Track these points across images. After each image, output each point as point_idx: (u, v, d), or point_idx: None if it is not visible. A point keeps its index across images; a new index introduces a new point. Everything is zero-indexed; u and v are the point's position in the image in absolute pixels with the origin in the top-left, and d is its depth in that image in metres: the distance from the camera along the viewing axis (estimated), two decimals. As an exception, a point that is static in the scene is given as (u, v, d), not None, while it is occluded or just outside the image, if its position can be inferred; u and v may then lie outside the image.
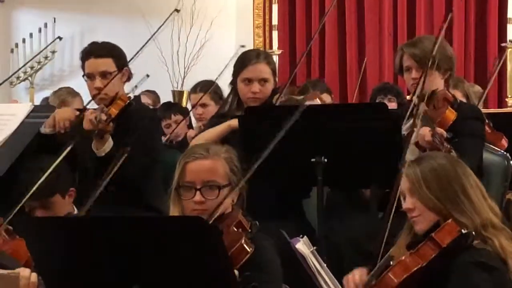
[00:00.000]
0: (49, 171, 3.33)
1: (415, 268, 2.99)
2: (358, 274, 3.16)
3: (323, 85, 6.78)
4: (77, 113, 4.33)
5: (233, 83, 4.61)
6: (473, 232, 3.05)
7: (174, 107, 6.97)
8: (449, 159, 3.23)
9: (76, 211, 3.88)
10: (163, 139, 5.94)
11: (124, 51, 4.63)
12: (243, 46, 6.51)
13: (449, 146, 3.80)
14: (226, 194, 3.09)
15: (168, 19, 5.09)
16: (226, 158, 3.24)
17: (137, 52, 4.50)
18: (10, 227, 3.29)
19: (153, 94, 7.45)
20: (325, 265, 2.58)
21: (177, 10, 5.44)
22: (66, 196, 3.82)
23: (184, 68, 8.87)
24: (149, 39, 4.72)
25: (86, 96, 4.78)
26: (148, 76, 4.47)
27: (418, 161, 3.25)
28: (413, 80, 4.31)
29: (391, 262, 3.05)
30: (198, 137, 4.37)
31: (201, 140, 4.24)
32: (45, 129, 4.20)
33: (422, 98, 4.12)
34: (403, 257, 3.02)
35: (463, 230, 3.05)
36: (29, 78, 9.27)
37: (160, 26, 4.95)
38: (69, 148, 3.70)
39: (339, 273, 3.00)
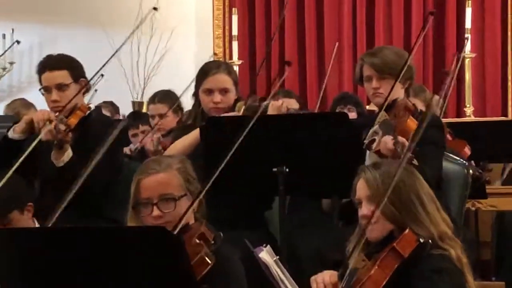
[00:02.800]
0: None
1: (384, 282, 3.01)
2: (328, 275, 3.16)
3: (293, 93, 6.82)
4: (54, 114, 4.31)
5: (196, 95, 4.61)
6: (430, 241, 3.07)
7: (143, 117, 6.89)
8: (407, 170, 3.23)
9: (37, 225, 3.84)
10: (133, 147, 5.98)
11: (85, 62, 4.61)
12: (215, 54, 6.55)
13: (412, 155, 3.81)
14: (185, 204, 3.09)
15: (139, 25, 5.11)
16: (179, 169, 3.25)
17: (100, 69, 4.49)
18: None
19: (111, 105, 7.42)
20: (287, 273, 2.58)
21: (155, 8, 5.46)
22: (25, 211, 3.78)
23: (144, 79, 8.86)
24: (113, 54, 4.72)
25: (44, 107, 4.76)
26: (102, 75, 4.45)
27: (378, 168, 3.25)
28: (373, 89, 4.33)
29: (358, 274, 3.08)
30: (170, 148, 4.36)
31: (173, 151, 4.24)
32: (13, 135, 4.18)
33: (382, 107, 4.16)
34: (372, 272, 3.03)
35: (421, 240, 3.07)
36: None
37: (128, 39, 4.96)
38: (18, 163, 3.68)
39: (301, 282, 3.00)
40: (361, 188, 3.21)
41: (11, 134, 4.23)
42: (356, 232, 3.24)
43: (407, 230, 3.08)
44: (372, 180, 3.18)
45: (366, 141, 4.01)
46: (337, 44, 8.58)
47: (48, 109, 4.47)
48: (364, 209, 3.18)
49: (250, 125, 3.32)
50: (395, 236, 3.10)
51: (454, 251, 3.11)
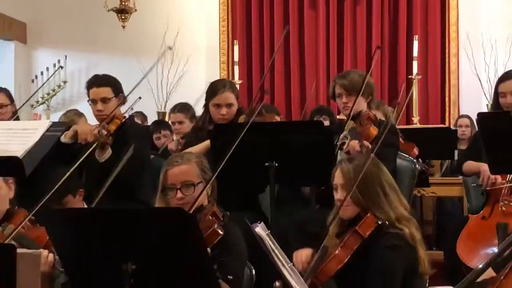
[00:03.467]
0: (60, 182, 3.30)
1: (346, 260, 3.00)
2: (305, 253, 3.18)
3: (274, 108, 6.83)
4: (95, 128, 4.32)
5: (206, 105, 4.61)
6: (387, 222, 3.07)
7: (163, 124, 7.00)
8: (374, 164, 3.23)
9: (85, 206, 3.86)
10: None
11: (120, 81, 4.63)
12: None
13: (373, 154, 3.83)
14: (201, 189, 3.09)
15: (160, 57, 5.12)
16: (197, 162, 3.29)
17: (134, 88, 4.49)
18: (33, 218, 3.27)
19: (141, 114, 7.46)
20: (277, 244, 2.58)
21: (169, 48, 5.48)
22: (77, 196, 3.79)
23: (167, 94, 8.85)
24: (143, 77, 4.71)
25: (90, 116, 4.78)
26: (140, 98, 4.46)
27: (351, 162, 3.26)
28: (343, 103, 4.34)
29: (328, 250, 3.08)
30: (189, 149, 4.36)
31: (188, 151, 4.25)
32: (65, 139, 4.18)
33: (350, 117, 4.17)
34: (336, 251, 3.02)
35: (379, 222, 3.07)
36: (46, 102, 9.26)
37: (154, 65, 4.99)
38: (78, 162, 3.70)
39: (287, 251, 3.01)
40: (337, 176, 3.22)
41: (62, 138, 4.24)
42: (333, 211, 3.25)
43: (368, 214, 3.08)
44: (346, 172, 3.19)
45: (338, 143, 4.03)
46: (313, 71, 8.65)
47: (93, 117, 4.52)
48: (339, 194, 3.18)
49: (245, 130, 3.33)
50: (361, 217, 3.11)
51: (408, 229, 3.10)
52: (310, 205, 4.43)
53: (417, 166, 4.95)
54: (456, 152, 6.16)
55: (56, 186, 3.22)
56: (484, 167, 4.35)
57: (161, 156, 5.45)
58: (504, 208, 4.09)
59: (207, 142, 4.27)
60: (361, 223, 3.06)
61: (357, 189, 3.08)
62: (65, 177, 3.16)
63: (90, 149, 3.77)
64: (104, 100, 4.42)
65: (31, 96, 7.67)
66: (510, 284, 1.84)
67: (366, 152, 3.89)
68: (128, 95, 4.52)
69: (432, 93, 9.12)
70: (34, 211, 3.03)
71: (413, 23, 9.21)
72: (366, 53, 9.15)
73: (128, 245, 2.64)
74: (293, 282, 2.40)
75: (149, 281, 2.69)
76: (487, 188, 4.36)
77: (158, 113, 8.72)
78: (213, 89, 4.61)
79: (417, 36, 8.81)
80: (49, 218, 3.05)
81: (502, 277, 1.84)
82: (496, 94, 4.40)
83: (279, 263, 2.48)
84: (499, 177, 4.27)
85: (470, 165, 4.64)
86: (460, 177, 5.05)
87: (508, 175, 4.04)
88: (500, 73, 4.86)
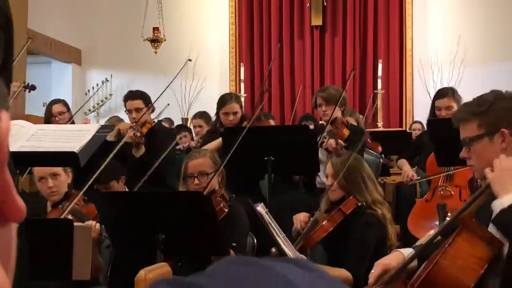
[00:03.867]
0: (102, 166, 3.31)
1: (330, 230, 3.02)
2: (303, 215, 3.21)
3: (270, 115, 6.84)
4: (132, 125, 4.37)
5: (217, 113, 4.63)
6: (365, 204, 3.08)
7: (184, 127, 7.05)
8: (356, 160, 3.26)
9: (126, 190, 3.87)
10: (180, 146, 5.99)
11: (152, 94, 4.67)
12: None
13: (344, 150, 3.87)
14: (213, 177, 3.12)
15: (181, 70, 5.15)
16: (210, 156, 3.34)
17: (160, 95, 4.52)
18: (86, 198, 3.28)
19: (169, 120, 7.47)
20: (273, 220, 2.59)
21: (189, 60, 5.52)
22: (120, 181, 3.80)
23: (189, 104, 8.87)
24: (168, 86, 4.75)
25: (128, 121, 4.81)
26: (168, 104, 4.51)
27: (339, 157, 3.28)
28: (323, 111, 4.35)
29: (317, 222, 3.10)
30: (205, 147, 4.36)
31: (204, 147, 4.27)
32: (110, 138, 4.20)
33: (328, 122, 4.19)
34: (323, 222, 3.04)
35: (359, 203, 3.08)
36: (96, 110, 9.28)
37: (176, 75, 5.02)
38: (114, 151, 3.71)
39: (281, 225, 3.01)
40: (329, 168, 3.24)
41: (108, 138, 4.27)
42: (324, 194, 3.26)
43: (351, 197, 3.10)
44: (335, 164, 3.21)
45: (319, 142, 4.04)
46: (301, 87, 8.66)
47: (129, 122, 4.56)
48: (329, 181, 3.20)
49: (245, 131, 3.40)
50: (345, 199, 3.12)
51: (381, 211, 3.11)
52: (298, 189, 4.45)
53: (381, 160, 4.97)
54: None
55: (98, 172, 3.22)
56: (406, 167, 4.48)
57: (185, 153, 5.47)
58: (442, 193, 4.11)
59: (219, 140, 4.28)
60: (344, 203, 3.08)
61: (343, 178, 3.10)
62: (102, 166, 3.16)
63: (121, 143, 3.77)
64: (137, 110, 4.45)
65: (83, 105, 7.67)
66: (453, 249, 1.83)
67: (340, 148, 3.92)
68: (154, 102, 4.56)
69: (392, 104, 9.10)
70: (82, 192, 3.04)
71: (378, 50, 9.20)
72: (342, 72, 9.15)
73: (158, 220, 2.66)
74: (285, 249, 2.41)
75: (175, 248, 2.71)
76: (404, 183, 4.52)
77: (182, 118, 8.71)
78: (222, 101, 4.62)
79: (381, 60, 8.83)
80: (98, 198, 3.09)
81: (447, 245, 1.84)
82: (433, 108, 4.42)
83: (275, 234, 2.49)
84: (415, 175, 4.41)
85: (400, 162, 4.71)
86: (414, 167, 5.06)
87: (444, 168, 4.05)
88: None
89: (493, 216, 1.85)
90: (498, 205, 1.82)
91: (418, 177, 4.43)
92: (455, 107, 4.16)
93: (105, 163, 3.09)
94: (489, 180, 1.86)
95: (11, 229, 0.40)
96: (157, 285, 0.37)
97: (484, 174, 1.90)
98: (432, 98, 4.61)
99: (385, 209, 3.14)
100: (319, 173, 4.22)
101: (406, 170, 4.44)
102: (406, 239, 4.26)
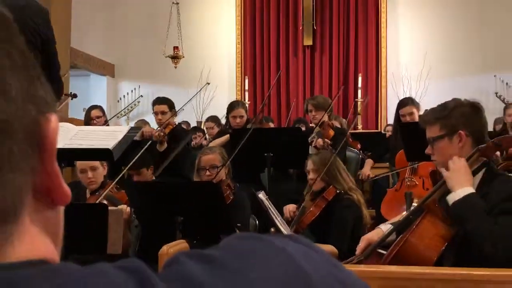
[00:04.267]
0: (136, 157, 3.30)
1: (317, 214, 3.02)
2: (291, 206, 3.20)
3: (270, 118, 6.84)
4: (153, 129, 4.36)
5: (226, 117, 4.64)
6: (342, 191, 3.08)
7: (198, 129, 7.03)
8: (332, 155, 3.26)
9: (154, 178, 3.86)
10: (193, 144, 5.96)
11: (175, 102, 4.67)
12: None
13: (332, 149, 3.85)
14: (223, 170, 3.11)
15: (202, 88, 5.20)
16: (219, 152, 3.32)
17: (183, 105, 4.54)
18: (117, 186, 3.28)
19: (186, 123, 7.47)
20: (272, 205, 2.58)
21: (208, 83, 5.58)
22: (149, 169, 3.78)
23: (203, 110, 8.85)
24: (190, 99, 4.79)
25: (153, 123, 4.81)
26: (183, 109, 4.52)
27: (317, 155, 3.27)
28: (313, 116, 4.35)
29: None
30: (213, 142, 4.37)
31: (215, 144, 4.24)
32: (137, 137, 4.21)
33: (317, 124, 4.18)
34: (311, 209, 3.04)
35: (338, 191, 3.07)
36: (127, 114, 9.25)
37: (196, 93, 5.06)
38: (145, 147, 3.70)
39: (279, 209, 3.01)
40: (309, 164, 3.24)
41: (136, 137, 4.26)
42: (307, 187, 3.26)
43: (331, 186, 3.09)
44: (316, 161, 3.20)
45: (310, 141, 4.03)
46: (295, 97, 8.64)
47: (152, 127, 4.57)
48: (311, 175, 3.19)
49: (249, 132, 3.39)
50: (326, 188, 3.12)
51: (356, 196, 3.12)
52: (292, 180, 4.44)
53: (360, 156, 4.95)
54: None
55: (131, 164, 3.22)
56: (365, 169, 4.62)
57: (198, 149, 5.46)
58: (408, 183, 4.11)
59: (226, 137, 4.30)
60: (326, 192, 3.08)
61: (323, 171, 3.10)
62: (136, 157, 3.17)
63: (149, 143, 3.76)
64: (163, 113, 4.44)
65: (119, 112, 7.68)
66: (420, 229, 1.83)
67: (327, 146, 3.91)
68: (178, 110, 4.57)
69: (370, 111, 9.07)
70: (115, 181, 3.05)
71: (358, 66, 9.18)
72: (328, 83, 9.15)
73: (177, 205, 2.65)
74: (282, 229, 2.40)
75: (191, 228, 2.70)
76: (364, 181, 4.62)
77: (197, 121, 8.70)
78: (231, 107, 4.63)
79: (360, 74, 8.83)
80: (128, 186, 3.08)
81: (414, 226, 1.84)
82: (397, 116, 4.46)
83: (273, 217, 2.48)
84: (370, 174, 4.57)
85: (366, 162, 4.76)
86: (387, 163, 5.03)
87: (409, 162, 4.06)
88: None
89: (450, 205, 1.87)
90: (451, 198, 1.85)
91: (373, 176, 4.58)
92: (415, 112, 4.25)
93: (138, 155, 3.10)
94: (444, 177, 1.88)
95: (59, 211, 0.40)
96: (178, 257, 0.37)
97: (444, 168, 1.91)
98: (396, 108, 4.61)
99: (358, 194, 3.16)
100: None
101: (364, 172, 4.58)
102: (380, 221, 4.26)
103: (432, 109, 2.04)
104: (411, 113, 4.30)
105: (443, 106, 1.98)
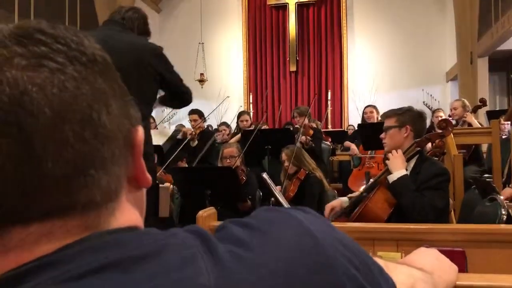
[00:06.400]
0: (176, 152, 3.29)
1: (295, 190, 2.95)
2: (279, 188, 3.12)
3: (265, 122, 6.74)
4: (189, 129, 4.21)
5: (237, 122, 4.61)
6: (310, 172, 3.02)
7: (225, 123, 6.45)
8: (299, 149, 3.19)
9: (187, 165, 3.82)
10: (218, 138, 5.87)
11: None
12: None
13: (312, 143, 3.81)
14: (239, 159, 3.07)
15: (222, 101, 5.14)
16: (236, 146, 3.24)
17: (209, 114, 4.49)
18: (164, 171, 3.26)
19: (210, 126, 7.32)
20: (272, 182, 2.56)
21: (227, 97, 5.50)
22: (184, 161, 3.74)
23: (221, 117, 8.79)
24: (213, 110, 4.75)
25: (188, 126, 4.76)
26: (208, 117, 4.45)
27: (289, 148, 3.20)
28: (297, 120, 4.30)
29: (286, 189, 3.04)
30: (231, 140, 4.30)
31: (232, 141, 4.19)
32: (179, 137, 4.17)
33: (301, 126, 4.14)
34: (291, 187, 2.97)
35: (307, 172, 3.02)
36: (169, 120, 9.10)
37: (218, 106, 5.03)
38: (183, 144, 3.65)
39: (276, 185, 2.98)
40: (284, 156, 3.12)
41: (178, 136, 4.22)
42: (282, 171, 3.19)
43: (301, 169, 3.03)
44: (288, 153, 3.12)
45: (296, 138, 3.99)
46: (282, 107, 8.57)
47: (190, 127, 4.48)
48: (286, 163, 3.11)
49: (254, 132, 3.35)
50: (298, 171, 3.05)
51: (318, 174, 3.02)
52: (283, 164, 4.39)
53: (331, 147, 4.90)
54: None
55: (173, 156, 3.21)
56: (353, 146, 4.41)
57: (221, 144, 5.37)
58: (367, 165, 4.09)
59: (238, 136, 4.25)
60: (299, 173, 3.01)
61: (294, 159, 3.04)
62: (176, 152, 3.14)
63: (186, 141, 3.73)
64: (195, 120, 4.31)
65: (163, 119, 7.64)
66: (375, 197, 1.83)
67: (309, 141, 3.86)
68: (206, 116, 4.52)
69: (337, 115, 9.01)
70: (162, 168, 3.03)
71: (328, 84, 9.11)
72: (307, 97, 9.09)
73: (207, 183, 2.64)
74: (280, 199, 2.39)
75: (216, 198, 2.69)
76: (355, 155, 4.42)
77: (217, 125, 8.66)
78: (240, 114, 4.61)
79: (330, 90, 8.78)
80: (172, 171, 3.05)
81: (371, 195, 1.84)
82: (363, 115, 4.44)
83: (274, 190, 2.46)
84: (356, 150, 4.31)
85: (346, 143, 4.70)
86: (348, 150, 4.99)
87: (369, 151, 4.03)
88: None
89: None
90: (390, 178, 1.84)
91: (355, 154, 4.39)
92: (374, 112, 4.25)
93: (177, 152, 3.08)
94: (387, 162, 1.88)
95: (143, 192, 0.40)
96: (225, 224, 0.38)
97: (391, 151, 1.90)
98: (361, 111, 4.60)
99: (319, 172, 3.08)
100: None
101: (354, 148, 4.39)
102: (346, 192, 4.25)
103: (392, 109, 2.04)
104: (372, 112, 4.42)
105: (400, 108, 2.01)
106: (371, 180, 2.04)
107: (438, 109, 5.80)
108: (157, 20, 9.45)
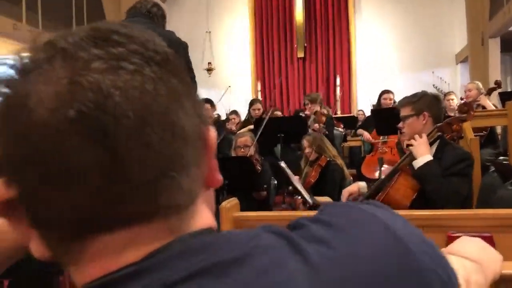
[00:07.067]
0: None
1: (317, 177, 2.97)
2: (296, 177, 3.14)
3: (278, 109, 6.69)
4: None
5: (249, 110, 4.58)
6: (330, 159, 3.03)
7: (234, 112, 6.07)
8: (321, 136, 3.20)
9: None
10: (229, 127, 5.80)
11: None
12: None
13: (325, 130, 3.79)
14: (253, 148, 3.06)
15: (226, 90, 5.08)
16: (250, 136, 3.20)
17: (217, 101, 4.46)
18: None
19: (219, 115, 7.20)
20: (289, 170, 2.55)
21: (229, 86, 5.44)
22: None
23: (229, 108, 8.74)
24: (220, 99, 4.79)
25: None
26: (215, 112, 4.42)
27: (310, 134, 3.19)
28: (309, 107, 4.26)
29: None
30: (243, 129, 4.29)
31: (245, 130, 4.17)
32: None
33: (313, 113, 4.12)
34: (312, 173, 2.98)
35: (328, 159, 3.02)
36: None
37: (223, 95, 4.98)
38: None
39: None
40: (305, 142, 3.15)
41: None
42: (304, 158, 3.20)
43: (322, 156, 3.04)
44: (308, 140, 3.13)
45: (308, 125, 3.97)
46: (292, 95, 8.50)
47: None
48: (307, 150, 3.13)
49: (265, 120, 3.34)
50: (319, 158, 3.07)
51: (339, 161, 3.05)
52: (295, 151, 4.35)
53: (343, 133, 4.88)
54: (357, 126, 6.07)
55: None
56: (365, 133, 4.31)
57: (233, 134, 5.33)
58: (380, 151, 4.04)
59: (249, 126, 4.23)
60: (320, 160, 3.03)
61: (315, 146, 3.05)
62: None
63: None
64: (206, 109, 4.35)
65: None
66: (397, 184, 1.82)
67: (322, 129, 3.84)
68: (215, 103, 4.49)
69: (346, 101, 8.92)
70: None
71: (336, 69, 9.01)
72: (316, 84, 9.02)
73: (224, 172, 2.64)
74: (298, 186, 2.39)
75: (233, 188, 2.70)
76: (368, 141, 4.34)
77: (226, 115, 8.63)
78: (252, 103, 4.56)
79: (338, 75, 8.70)
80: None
81: (393, 182, 1.82)
82: (379, 100, 4.38)
83: (291, 178, 2.45)
84: (370, 138, 4.22)
85: (359, 131, 4.59)
86: (360, 137, 4.96)
87: (381, 137, 4.00)
88: (377, 93, 4.76)
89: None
90: (415, 164, 1.81)
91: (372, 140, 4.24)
92: (393, 98, 4.25)
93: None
94: (411, 148, 1.86)
95: (212, 192, 0.39)
96: (301, 222, 0.37)
97: (410, 139, 1.88)
98: (370, 96, 4.55)
99: (340, 160, 3.09)
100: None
101: (367, 135, 4.29)
102: (359, 178, 4.23)
103: (406, 97, 2.00)
104: (391, 99, 4.36)
105: (414, 95, 1.95)
106: (385, 166, 2.01)
107: (449, 92, 5.71)
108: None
